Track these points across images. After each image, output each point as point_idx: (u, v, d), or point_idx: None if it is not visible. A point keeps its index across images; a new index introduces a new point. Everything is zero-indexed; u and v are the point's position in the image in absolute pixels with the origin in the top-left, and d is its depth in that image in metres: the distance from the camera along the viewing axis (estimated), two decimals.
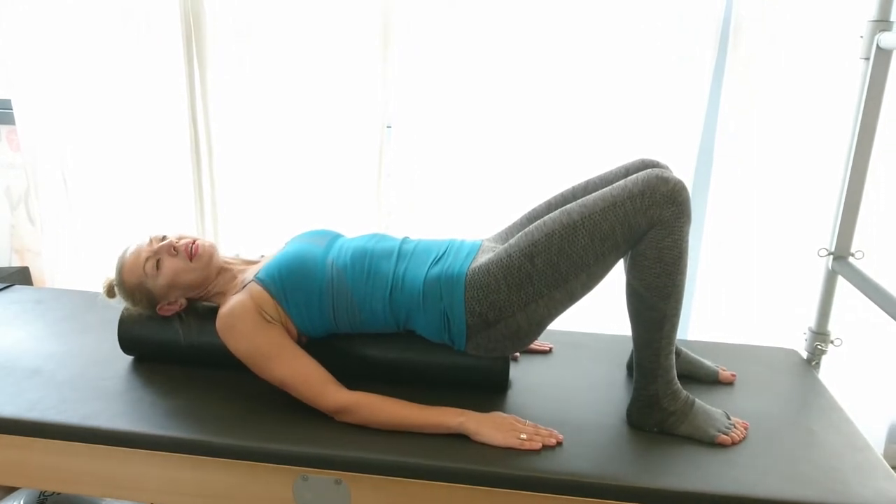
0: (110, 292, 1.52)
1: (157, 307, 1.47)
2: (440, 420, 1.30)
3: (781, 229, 2.00)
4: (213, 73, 2.12)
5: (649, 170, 1.27)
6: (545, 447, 1.27)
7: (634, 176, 1.27)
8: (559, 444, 1.29)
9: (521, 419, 1.32)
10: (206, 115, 2.15)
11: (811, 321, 1.68)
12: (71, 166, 2.29)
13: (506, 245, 1.34)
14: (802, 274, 1.94)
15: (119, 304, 1.53)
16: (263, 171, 2.19)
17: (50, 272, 2.41)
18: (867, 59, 1.49)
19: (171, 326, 1.50)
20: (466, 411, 1.31)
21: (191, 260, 1.43)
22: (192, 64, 2.10)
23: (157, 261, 1.43)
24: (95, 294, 1.93)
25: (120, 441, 1.32)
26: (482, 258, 1.37)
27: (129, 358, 1.58)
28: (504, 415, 1.32)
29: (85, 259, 2.37)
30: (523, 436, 1.27)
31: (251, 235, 2.23)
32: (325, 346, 1.44)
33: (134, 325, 1.53)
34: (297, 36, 2.06)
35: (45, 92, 2.22)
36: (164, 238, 1.46)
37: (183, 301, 1.47)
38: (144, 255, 1.44)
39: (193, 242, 1.44)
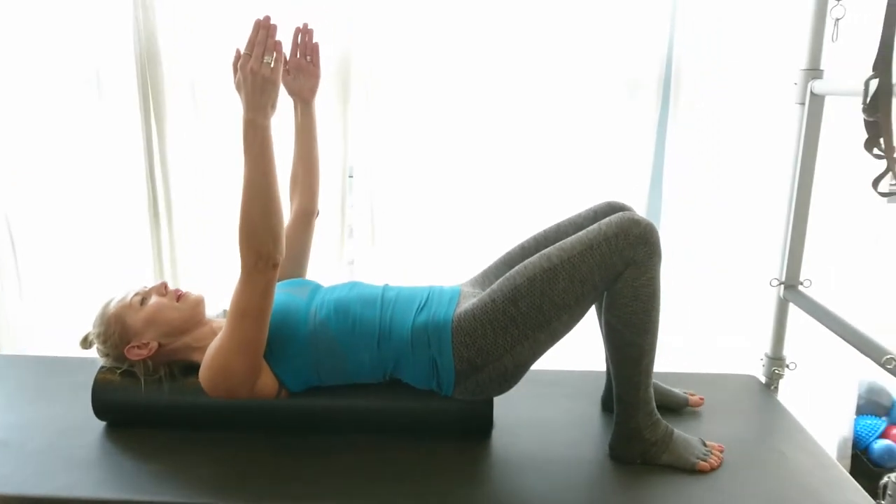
0: (84, 341, 1.50)
1: (126, 347, 1.44)
2: (250, 148, 1.27)
3: (734, 263, 2.13)
4: (170, 131, 2.11)
5: (620, 213, 1.35)
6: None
7: (607, 219, 1.35)
8: None
9: None
10: (164, 174, 2.13)
11: (767, 347, 1.78)
12: (19, 229, 2.23)
13: (488, 290, 1.38)
14: (756, 303, 2.06)
15: (93, 354, 1.51)
16: (223, 226, 2.18)
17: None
18: (802, 104, 1.62)
19: (148, 386, 1.47)
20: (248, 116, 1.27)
21: (177, 301, 1.46)
22: (149, 122, 2.09)
23: (144, 298, 1.46)
24: (53, 359, 1.89)
25: None
26: (465, 304, 1.41)
27: (99, 425, 1.52)
28: None
29: (36, 325, 2.29)
30: None
31: (214, 292, 2.20)
32: (305, 398, 1.44)
33: (108, 389, 1.49)
34: None
35: None
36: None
37: (154, 345, 1.44)
38: (135, 291, 1.48)
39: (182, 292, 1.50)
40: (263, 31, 1.27)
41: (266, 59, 1.26)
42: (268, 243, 1.28)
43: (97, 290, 2.16)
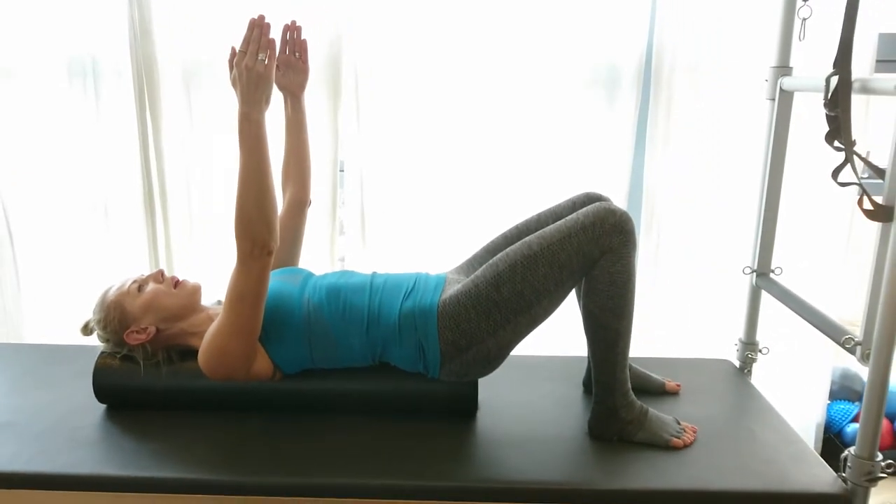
0: (85, 328, 1.57)
1: (126, 332, 1.51)
2: (245, 141, 1.33)
3: (709, 253, 2.21)
4: (165, 123, 2.17)
5: (597, 203, 1.43)
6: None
7: (585, 209, 1.42)
8: None
9: None
10: (159, 166, 2.19)
11: (740, 333, 1.86)
12: (16, 220, 2.28)
13: (472, 276, 1.45)
14: (730, 290, 2.14)
15: (93, 341, 1.58)
16: (218, 218, 2.24)
17: None
18: (772, 99, 1.70)
19: (147, 370, 1.53)
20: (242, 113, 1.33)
21: (174, 288, 1.53)
22: (144, 115, 2.15)
23: (141, 285, 1.53)
24: (52, 346, 1.94)
25: (108, 486, 1.34)
26: (451, 290, 1.48)
27: (100, 407, 1.59)
28: None
29: (33, 315, 2.35)
30: None
31: (209, 283, 2.26)
32: (299, 380, 1.51)
33: (109, 373, 1.55)
34: None
35: None
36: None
37: (152, 330, 1.50)
38: (133, 279, 1.55)
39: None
40: (258, 29, 1.33)
41: (260, 56, 1.33)
42: (262, 231, 1.34)
43: (93, 282, 2.22)
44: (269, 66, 1.34)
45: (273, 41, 1.35)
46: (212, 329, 1.43)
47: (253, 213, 1.34)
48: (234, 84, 1.36)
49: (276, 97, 1.69)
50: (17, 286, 2.33)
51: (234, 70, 1.34)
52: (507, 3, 2.07)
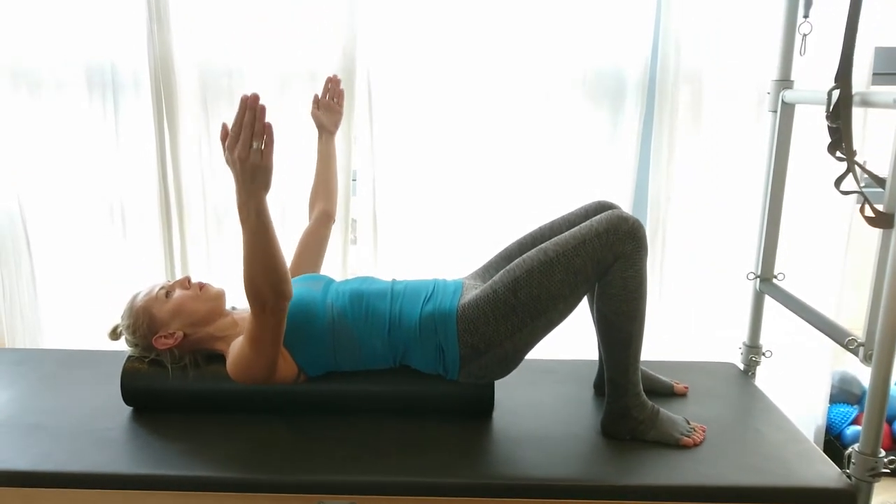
0: (113, 333, 1.62)
1: (154, 337, 1.55)
2: (246, 224, 1.26)
3: (713, 259, 2.28)
4: (182, 130, 2.21)
5: (610, 211, 1.49)
6: None
7: (598, 217, 1.48)
8: None
9: None
10: (176, 173, 2.24)
11: (744, 337, 1.91)
12: (34, 228, 2.32)
13: (490, 282, 1.51)
14: (734, 296, 2.20)
15: (120, 345, 1.63)
16: (233, 225, 2.28)
17: (10, 335, 2.40)
18: (774, 111, 1.76)
19: (174, 373, 1.58)
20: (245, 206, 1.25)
21: (199, 291, 1.59)
22: (161, 122, 2.19)
23: (169, 291, 1.58)
24: (72, 351, 1.99)
25: (139, 484, 1.39)
26: (469, 295, 1.53)
27: (126, 409, 1.63)
28: None
29: (50, 321, 2.39)
30: None
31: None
32: (322, 382, 1.56)
33: (136, 377, 1.60)
34: (263, 94, 2.18)
35: (5, 154, 2.26)
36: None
37: (180, 335, 1.55)
38: (160, 285, 1.60)
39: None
40: (250, 112, 1.19)
41: (254, 144, 1.20)
42: (271, 297, 1.34)
43: (109, 290, 2.27)
44: (266, 154, 1.20)
45: (269, 126, 1.20)
46: (236, 350, 1.48)
47: (261, 283, 1.33)
48: (228, 165, 1.24)
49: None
50: (34, 293, 2.37)
51: (227, 154, 1.22)
52: (519, 15, 2.12)
